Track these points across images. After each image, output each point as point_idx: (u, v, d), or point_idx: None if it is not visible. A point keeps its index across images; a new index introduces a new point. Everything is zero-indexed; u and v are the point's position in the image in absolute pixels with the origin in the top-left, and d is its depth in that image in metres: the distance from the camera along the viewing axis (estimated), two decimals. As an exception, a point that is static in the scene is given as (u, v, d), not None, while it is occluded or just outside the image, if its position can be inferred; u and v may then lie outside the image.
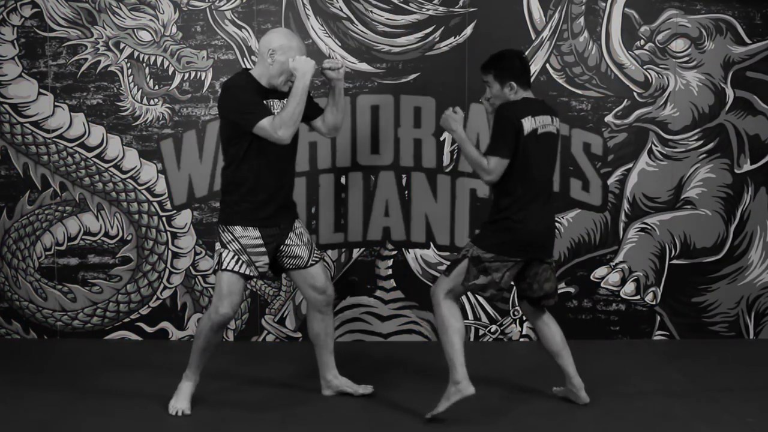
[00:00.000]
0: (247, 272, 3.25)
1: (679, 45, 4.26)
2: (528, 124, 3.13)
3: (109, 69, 4.28)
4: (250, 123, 3.11)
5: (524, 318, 4.24)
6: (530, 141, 3.14)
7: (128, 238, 4.37)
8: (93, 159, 4.32)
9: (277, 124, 3.08)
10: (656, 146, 4.31)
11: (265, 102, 3.21)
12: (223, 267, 3.24)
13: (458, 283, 3.22)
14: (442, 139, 4.28)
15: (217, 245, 3.31)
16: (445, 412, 3.20)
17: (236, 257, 3.23)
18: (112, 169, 4.33)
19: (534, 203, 3.19)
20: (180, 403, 3.34)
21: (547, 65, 4.26)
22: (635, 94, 4.28)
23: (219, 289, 3.25)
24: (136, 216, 4.36)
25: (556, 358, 3.41)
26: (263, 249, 3.27)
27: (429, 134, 4.26)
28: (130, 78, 4.28)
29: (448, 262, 3.32)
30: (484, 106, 3.42)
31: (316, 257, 3.44)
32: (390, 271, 4.37)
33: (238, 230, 3.23)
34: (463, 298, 4.23)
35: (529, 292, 3.34)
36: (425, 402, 3.35)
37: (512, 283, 3.36)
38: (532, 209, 3.19)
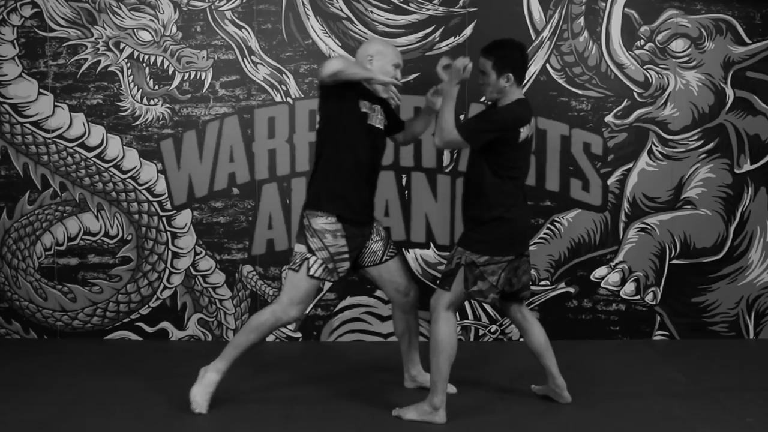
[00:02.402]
0: (329, 278, 3.27)
1: (679, 45, 4.26)
2: (525, 132, 3.12)
3: (109, 69, 4.28)
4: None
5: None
6: (521, 146, 3.15)
7: (128, 238, 4.37)
8: (93, 159, 4.32)
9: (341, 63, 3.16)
10: (656, 146, 4.31)
11: (360, 100, 3.26)
12: (310, 273, 3.22)
13: (459, 295, 3.19)
14: (442, 139, 4.28)
15: (299, 247, 3.25)
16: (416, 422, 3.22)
17: (324, 265, 3.23)
18: (112, 169, 4.33)
19: (519, 200, 3.20)
20: (202, 396, 3.29)
21: (547, 65, 4.26)
22: (635, 94, 4.29)
23: (296, 293, 3.24)
24: (136, 216, 4.36)
25: (540, 358, 3.41)
26: (347, 256, 3.28)
27: (429, 134, 4.26)
28: (130, 78, 4.28)
29: (441, 274, 3.28)
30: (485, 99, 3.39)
31: (391, 252, 3.47)
32: (390, 271, 4.37)
33: (329, 239, 3.22)
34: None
35: (507, 287, 3.33)
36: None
37: None
38: (519, 206, 3.19)
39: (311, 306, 4.39)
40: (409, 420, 3.23)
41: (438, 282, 3.28)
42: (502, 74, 3.15)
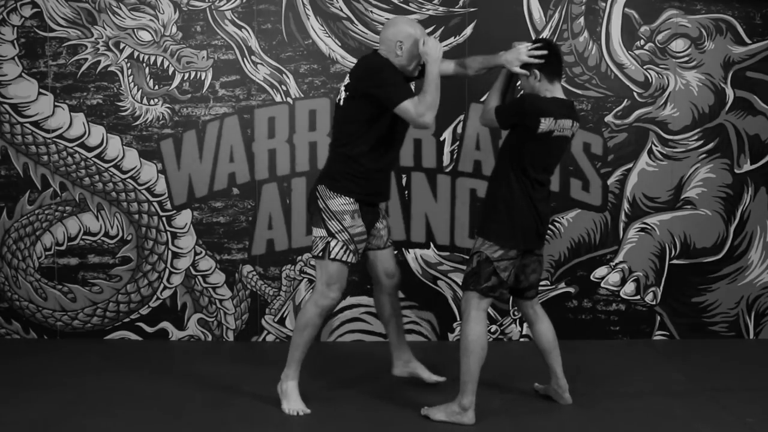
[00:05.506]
0: (352, 261, 3.30)
1: (679, 45, 4.26)
2: (546, 124, 3.10)
3: (109, 69, 4.28)
4: (394, 102, 3.13)
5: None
6: (541, 139, 3.13)
7: (128, 238, 4.37)
8: (93, 159, 4.32)
9: (422, 109, 3.12)
10: (656, 146, 4.31)
11: None
12: (332, 257, 3.25)
13: (484, 293, 3.20)
14: (442, 139, 4.28)
15: (317, 231, 3.28)
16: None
17: (345, 247, 3.25)
18: (112, 169, 4.33)
19: (533, 194, 3.17)
20: (294, 404, 3.33)
21: (547, 65, 4.25)
22: (635, 94, 4.28)
23: (328, 276, 3.28)
24: (136, 216, 4.36)
25: (546, 357, 3.41)
26: (365, 237, 3.33)
27: (429, 134, 4.26)
28: (130, 78, 4.28)
29: (463, 275, 3.29)
30: None
31: (390, 241, 3.56)
32: (390, 271, 4.37)
33: (348, 220, 3.25)
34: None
35: (514, 283, 3.33)
36: (425, 402, 3.36)
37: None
38: (533, 199, 3.17)
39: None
40: (438, 421, 3.22)
41: (462, 284, 3.29)
42: (530, 73, 3.22)
